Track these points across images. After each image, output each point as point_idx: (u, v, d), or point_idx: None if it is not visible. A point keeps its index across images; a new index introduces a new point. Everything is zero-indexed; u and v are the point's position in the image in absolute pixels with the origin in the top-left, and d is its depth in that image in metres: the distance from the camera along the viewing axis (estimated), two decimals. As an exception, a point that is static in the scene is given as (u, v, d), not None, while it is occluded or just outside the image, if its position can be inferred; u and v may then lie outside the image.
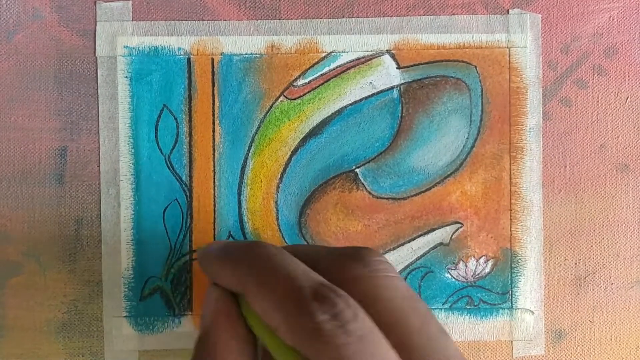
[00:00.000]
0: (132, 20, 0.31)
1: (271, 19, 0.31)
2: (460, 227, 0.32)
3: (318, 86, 0.31)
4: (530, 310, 0.31)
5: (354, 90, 0.31)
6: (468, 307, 0.32)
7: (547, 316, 0.32)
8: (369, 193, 0.32)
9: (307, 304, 0.21)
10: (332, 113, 0.31)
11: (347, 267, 0.23)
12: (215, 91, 0.31)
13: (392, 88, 0.31)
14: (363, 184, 0.32)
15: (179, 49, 0.31)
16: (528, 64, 0.31)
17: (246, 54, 0.31)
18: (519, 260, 0.31)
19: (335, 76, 0.31)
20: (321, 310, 0.21)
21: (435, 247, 0.32)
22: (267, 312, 0.22)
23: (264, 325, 0.22)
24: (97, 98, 0.31)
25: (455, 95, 0.31)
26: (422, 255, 0.32)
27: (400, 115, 0.31)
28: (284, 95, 0.31)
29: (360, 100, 0.31)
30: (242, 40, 0.31)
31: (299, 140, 0.31)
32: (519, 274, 0.32)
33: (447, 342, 0.22)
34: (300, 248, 0.25)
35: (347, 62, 0.31)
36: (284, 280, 0.22)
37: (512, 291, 0.32)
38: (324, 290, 0.21)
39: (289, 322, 0.21)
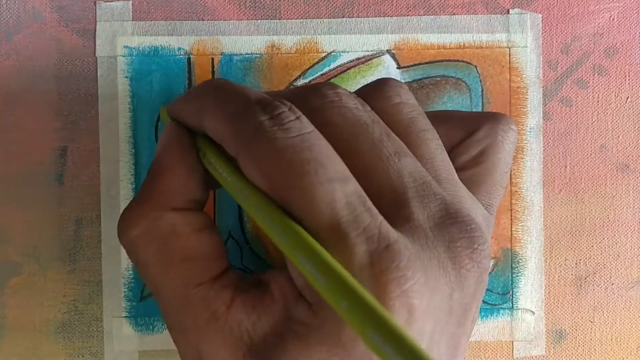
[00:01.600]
0: (132, 20, 0.31)
1: (271, 19, 0.31)
2: (461, 227, 0.32)
3: (318, 86, 0.31)
4: (531, 311, 0.31)
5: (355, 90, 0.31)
6: (468, 307, 0.32)
7: (548, 316, 0.31)
8: (369, 193, 0.32)
9: (251, 107, 0.21)
10: (332, 113, 0.31)
11: (304, 100, 0.23)
12: (215, 91, 0.31)
13: (392, 88, 0.31)
14: (363, 184, 0.32)
15: (179, 48, 0.31)
16: (528, 64, 0.31)
17: (246, 54, 0.31)
18: (520, 261, 0.31)
19: (335, 76, 0.31)
20: (263, 112, 0.21)
21: (435, 247, 0.32)
22: (216, 126, 0.22)
23: (213, 150, 0.23)
24: (97, 98, 0.31)
25: (455, 95, 0.31)
26: (422, 256, 0.32)
27: (400, 115, 0.31)
28: (284, 95, 0.31)
29: (361, 100, 0.31)
30: (242, 40, 0.31)
31: (299, 140, 0.31)
32: (519, 274, 0.31)
33: (402, 162, 0.22)
34: (265, 92, 0.25)
35: (347, 62, 0.31)
36: (235, 96, 0.22)
37: (512, 291, 0.32)
38: (269, 98, 0.22)
39: (233, 127, 0.21)
